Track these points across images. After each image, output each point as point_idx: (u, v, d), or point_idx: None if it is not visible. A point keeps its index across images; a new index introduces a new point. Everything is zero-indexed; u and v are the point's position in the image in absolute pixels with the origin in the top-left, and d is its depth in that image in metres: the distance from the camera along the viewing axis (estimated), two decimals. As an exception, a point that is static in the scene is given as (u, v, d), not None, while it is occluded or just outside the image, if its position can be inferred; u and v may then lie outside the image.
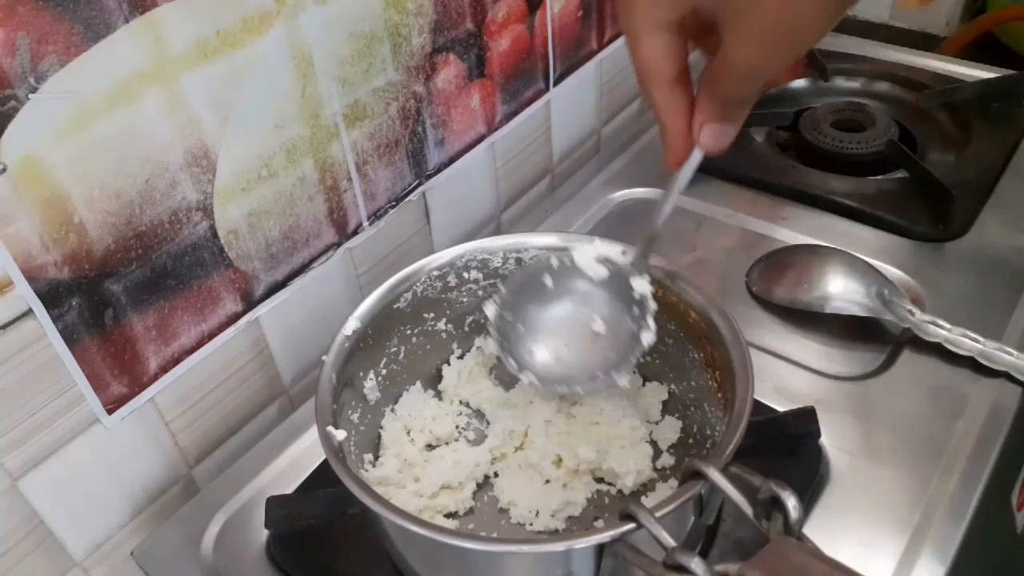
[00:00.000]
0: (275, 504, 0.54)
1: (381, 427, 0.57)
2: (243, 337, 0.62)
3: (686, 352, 0.55)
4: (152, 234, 0.53)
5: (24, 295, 0.47)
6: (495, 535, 0.53)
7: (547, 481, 0.54)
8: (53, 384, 0.51)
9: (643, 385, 0.59)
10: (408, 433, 0.58)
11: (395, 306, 0.56)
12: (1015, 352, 0.60)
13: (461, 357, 0.62)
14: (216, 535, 0.56)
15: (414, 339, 0.59)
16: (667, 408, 0.58)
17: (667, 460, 0.55)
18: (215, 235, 0.57)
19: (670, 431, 0.56)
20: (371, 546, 0.54)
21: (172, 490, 0.62)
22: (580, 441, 0.55)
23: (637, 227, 0.77)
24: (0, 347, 0.48)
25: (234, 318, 0.61)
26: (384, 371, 0.57)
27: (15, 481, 0.52)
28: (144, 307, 0.54)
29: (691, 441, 0.56)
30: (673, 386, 0.58)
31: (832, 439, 0.57)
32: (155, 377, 0.57)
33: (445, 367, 0.61)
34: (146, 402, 0.57)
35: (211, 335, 0.60)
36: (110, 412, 0.55)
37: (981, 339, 0.61)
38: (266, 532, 0.55)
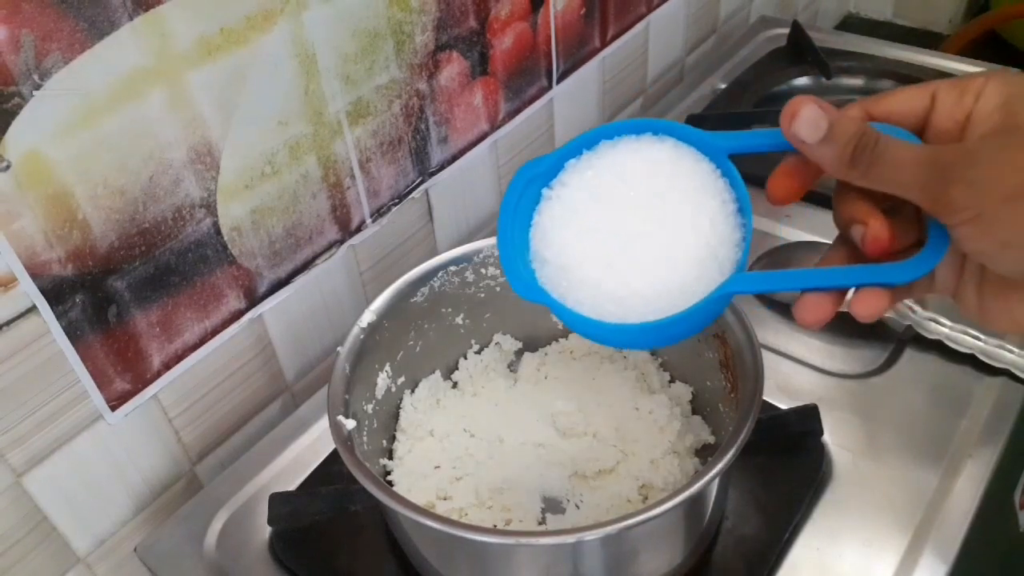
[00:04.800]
0: (278, 501, 0.54)
1: (397, 419, 0.58)
2: (246, 334, 0.62)
3: (701, 352, 0.55)
4: (156, 231, 0.53)
5: (28, 292, 0.47)
6: (508, 527, 0.52)
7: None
8: (56, 381, 0.51)
9: (671, 383, 0.59)
10: (424, 425, 0.58)
11: (412, 300, 0.56)
12: (1016, 350, 0.60)
13: (479, 352, 0.62)
14: (219, 532, 0.56)
15: (431, 333, 0.59)
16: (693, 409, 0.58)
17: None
18: (218, 232, 0.57)
19: (702, 432, 0.56)
20: (374, 543, 0.54)
21: (175, 487, 0.62)
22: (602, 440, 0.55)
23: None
24: (3, 344, 0.48)
25: (237, 315, 0.61)
26: (400, 363, 0.57)
27: (19, 477, 0.52)
28: (147, 304, 0.54)
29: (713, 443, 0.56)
30: (694, 387, 0.58)
31: (834, 437, 0.57)
32: (158, 374, 0.57)
33: (462, 360, 0.61)
34: (149, 399, 0.57)
35: (214, 332, 0.60)
36: (113, 409, 0.55)
37: (982, 336, 0.61)
38: (269, 529, 0.55)
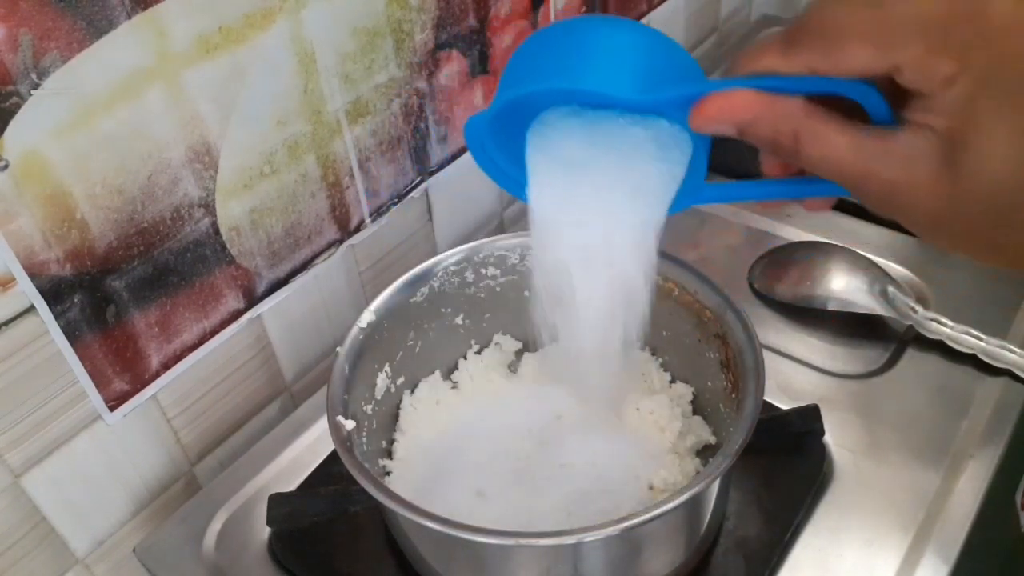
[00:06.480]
0: (277, 502, 0.54)
1: (396, 419, 0.58)
2: (245, 334, 0.62)
3: (702, 352, 0.55)
4: (154, 231, 0.53)
5: (26, 292, 0.47)
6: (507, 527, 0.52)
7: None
8: (55, 381, 0.51)
9: (672, 383, 0.59)
10: (424, 425, 0.58)
11: (412, 300, 0.56)
12: (1017, 350, 0.60)
13: (479, 352, 0.62)
14: (218, 533, 0.56)
15: (431, 333, 0.58)
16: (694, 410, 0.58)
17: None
18: (217, 232, 0.57)
19: (703, 432, 0.56)
20: (373, 544, 0.54)
21: (174, 487, 0.62)
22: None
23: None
24: (2, 344, 0.47)
25: (236, 315, 0.61)
26: (400, 364, 0.57)
27: (17, 478, 0.52)
28: (146, 304, 0.54)
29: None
30: (695, 388, 0.58)
31: (836, 437, 0.57)
32: (157, 374, 0.57)
33: (462, 361, 0.61)
34: (148, 399, 0.57)
35: (213, 332, 0.59)
36: (112, 409, 0.55)
37: (984, 337, 0.61)
38: (268, 530, 0.55)
